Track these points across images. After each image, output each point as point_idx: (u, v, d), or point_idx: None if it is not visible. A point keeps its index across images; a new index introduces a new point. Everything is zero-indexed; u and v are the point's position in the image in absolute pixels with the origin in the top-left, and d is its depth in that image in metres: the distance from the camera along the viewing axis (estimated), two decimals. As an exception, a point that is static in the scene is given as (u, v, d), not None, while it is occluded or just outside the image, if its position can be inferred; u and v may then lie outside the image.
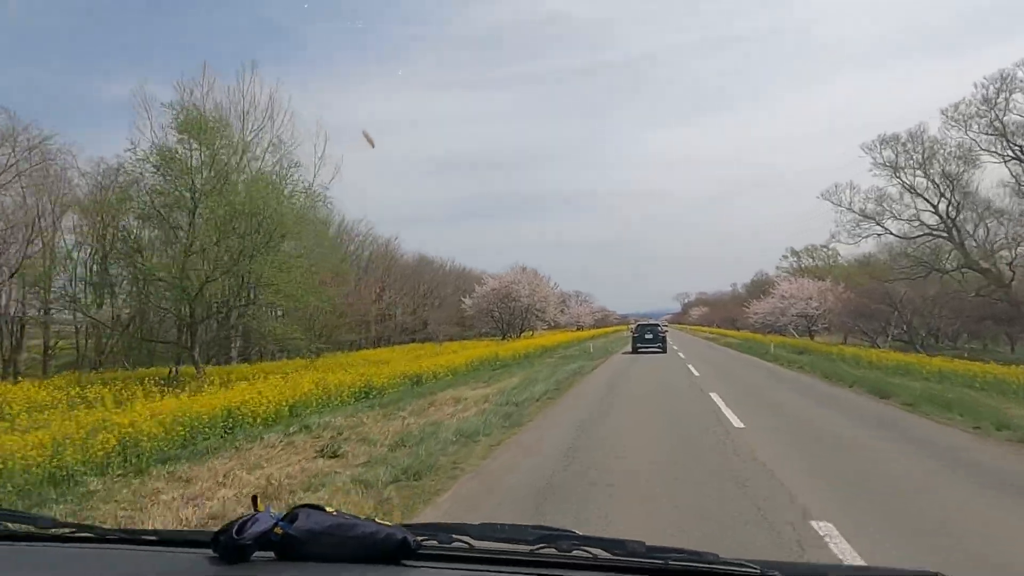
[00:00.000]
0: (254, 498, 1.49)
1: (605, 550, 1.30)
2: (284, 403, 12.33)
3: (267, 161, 25.97)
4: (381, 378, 17.47)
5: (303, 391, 13.28)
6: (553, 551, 1.31)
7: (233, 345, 29.73)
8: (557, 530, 1.36)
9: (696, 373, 19.30)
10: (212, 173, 19.72)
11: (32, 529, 1.53)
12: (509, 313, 57.26)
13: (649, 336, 34.68)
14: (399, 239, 58.06)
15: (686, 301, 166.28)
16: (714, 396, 13.33)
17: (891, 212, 34.95)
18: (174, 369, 21.39)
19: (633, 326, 42.15)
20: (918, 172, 33.66)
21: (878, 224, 35.66)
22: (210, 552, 1.31)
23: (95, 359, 25.39)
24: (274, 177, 19.76)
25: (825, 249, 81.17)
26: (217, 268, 19.80)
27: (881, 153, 34.48)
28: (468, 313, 58.87)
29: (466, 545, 1.33)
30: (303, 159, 21.87)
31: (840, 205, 36.32)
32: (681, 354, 30.48)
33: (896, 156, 34.21)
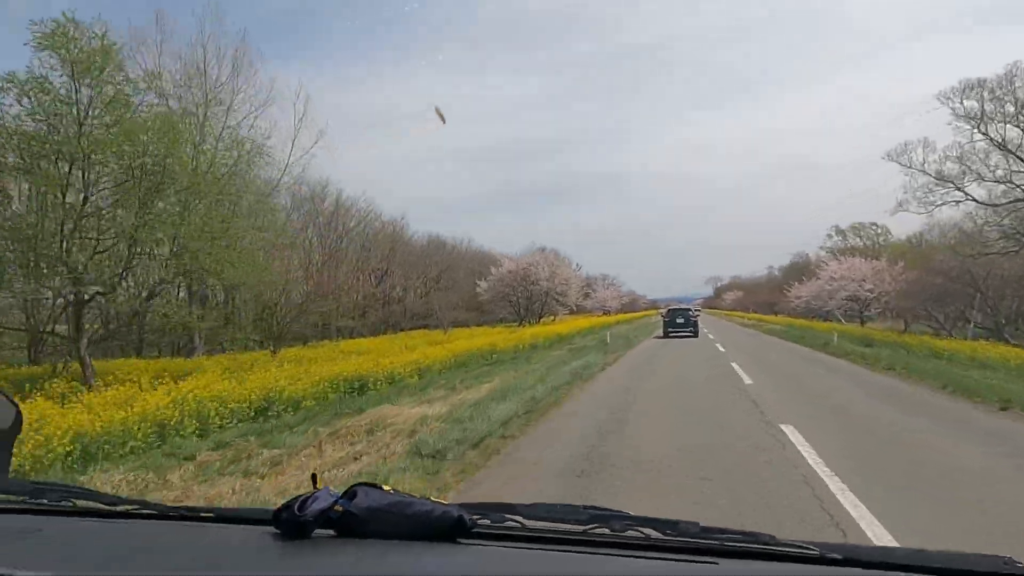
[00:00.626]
0: (313, 476, 1.49)
1: (658, 530, 1.26)
2: None
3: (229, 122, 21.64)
4: (302, 385, 12.17)
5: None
6: (606, 531, 1.29)
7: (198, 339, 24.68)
8: (609, 510, 1.33)
9: (746, 379, 13.57)
10: (107, 116, 14.48)
11: (98, 506, 1.54)
12: (527, 297, 52.08)
13: (680, 320, 34.27)
14: (405, 218, 52.34)
15: (718, 285, 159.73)
16: (802, 448, 7.05)
17: (975, 173, 28.60)
18: (60, 367, 16.30)
19: (664, 311, 40.58)
20: (1011, 123, 27.25)
21: (958, 189, 29.38)
22: (271, 529, 1.31)
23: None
24: (186, 122, 14.45)
25: (874, 227, 74.38)
26: (104, 237, 14.65)
27: (962, 102, 28.09)
28: (484, 297, 53.58)
29: (518, 524, 1.32)
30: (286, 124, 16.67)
31: (910, 167, 30.19)
32: (720, 346, 24.65)
33: (981, 105, 27.80)
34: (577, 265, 58.71)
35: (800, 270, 76.31)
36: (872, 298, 43.11)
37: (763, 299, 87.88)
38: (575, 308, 57.82)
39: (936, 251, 34.29)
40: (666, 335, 33.44)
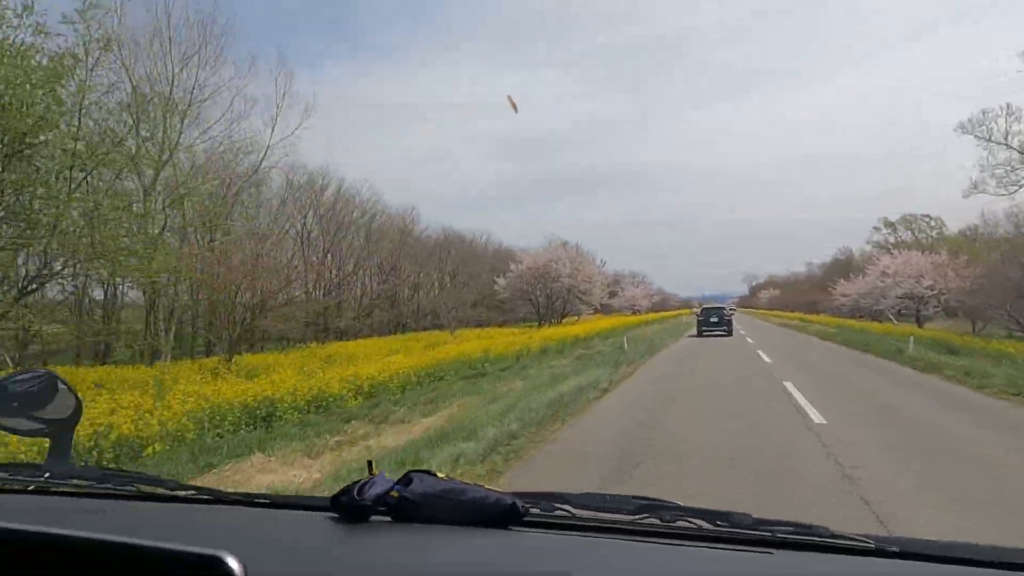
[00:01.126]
0: (369, 463, 1.51)
1: (708, 521, 1.25)
2: None
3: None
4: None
5: None
6: (656, 521, 1.28)
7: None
8: (659, 501, 1.32)
9: (813, 414, 9.03)
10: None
11: (160, 490, 1.57)
12: (547, 295, 47.93)
13: (715, 319, 34.01)
14: (415, 211, 47.96)
15: (754, 283, 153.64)
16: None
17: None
18: None
19: (698, 310, 41.10)
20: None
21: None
22: (329, 513, 1.34)
23: None
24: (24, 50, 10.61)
25: (927, 219, 68.47)
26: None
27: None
28: (503, 296, 49.55)
29: (568, 513, 1.33)
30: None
31: (990, 140, 25.34)
32: (764, 354, 20.00)
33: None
34: (601, 261, 54.05)
35: (844, 267, 71.59)
36: (931, 296, 38.14)
37: (803, 298, 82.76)
38: (600, 307, 53.32)
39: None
40: (700, 334, 33.29)
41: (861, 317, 48.17)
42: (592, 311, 53.37)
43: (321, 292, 35.25)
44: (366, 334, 36.30)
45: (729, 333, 33.11)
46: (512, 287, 48.94)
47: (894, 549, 1.15)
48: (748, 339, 28.12)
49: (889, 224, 67.96)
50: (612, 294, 75.50)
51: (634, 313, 74.68)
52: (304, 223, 36.04)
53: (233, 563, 0.71)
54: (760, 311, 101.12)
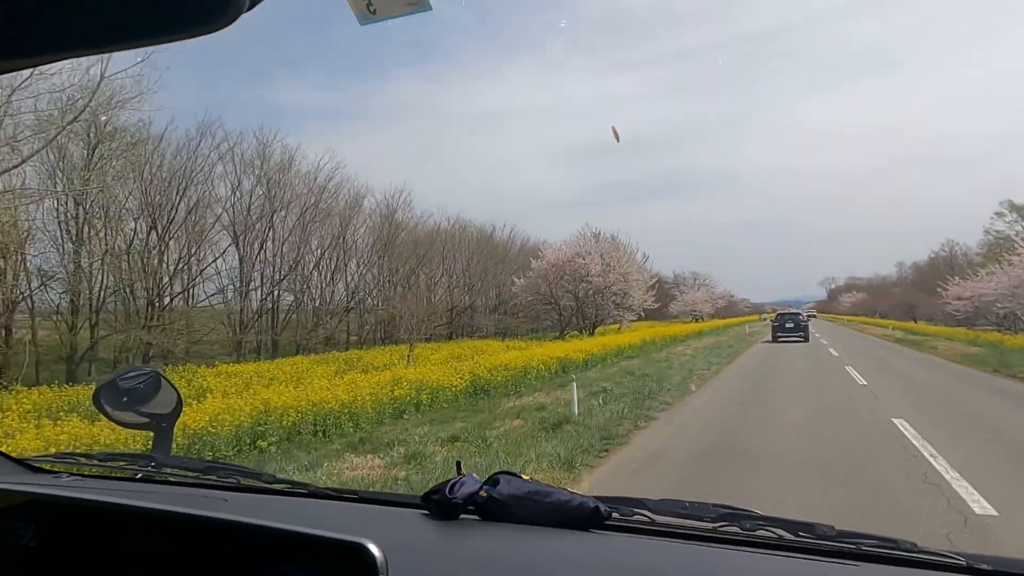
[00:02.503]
0: (458, 463, 1.57)
1: (791, 532, 1.22)
2: None
3: None
4: None
5: None
6: (736, 529, 1.26)
7: None
8: (740, 509, 1.30)
9: None
10: None
11: (258, 483, 1.62)
12: (575, 297, 37.58)
13: (790, 325, 33.77)
14: (407, 194, 36.95)
15: (832, 286, 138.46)
16: None
17: None
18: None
19: (773, 315, 39.94)
20: None
21: None
22: (421, 510, 1.39)
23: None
24: None
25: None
26: None
27: None
28: (521, 299, 39.52)
29: (648, 519, 1.33)
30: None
31: None
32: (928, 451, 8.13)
33: None
34: (644, 255, 43.11)
35: (944, 265, 63.22)
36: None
37: (893, 301, 69.54)
38: (643, 314, 42.19)
39: None
40: (775, 339, 33.15)
41: (1000, 326, 35.90)
42: (636, 318, 42.43)
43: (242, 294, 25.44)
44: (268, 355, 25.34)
45: (806, 339, 32.60)
46: (532, 288, 38.84)
47: (985, 567, 1.10)
48: (859, 379, 16.04)
49: (1015, 207, 54.49)
50: (670, 298, 64.28)
51: (695, 320, 63.09)
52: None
53: (375, 551, 0.74)
54: (843, 318, 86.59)
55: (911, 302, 65.79)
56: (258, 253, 26.90)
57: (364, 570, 0.73)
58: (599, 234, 40.00)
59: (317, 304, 30.22)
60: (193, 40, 0.49)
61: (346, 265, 32.38)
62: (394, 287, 34.66)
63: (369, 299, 33.86)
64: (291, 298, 28.73)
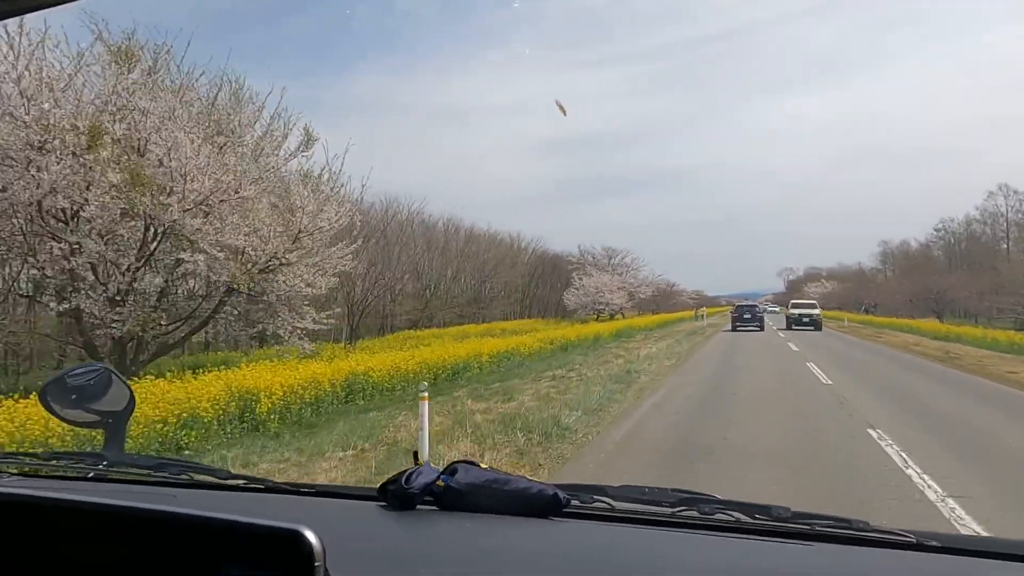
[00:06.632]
0: (415, 453, 1.72)
1: (747, 514, 1.24)
2: None
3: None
4: None
5: None
6: (694, 513, 1.26)
7: None
8: (698, 494, 1.31)
9: None
10: None
11: (213, 479, 1.59)
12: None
13: (747, 316, 36.81)
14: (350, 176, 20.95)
15: (790, 277, 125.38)
16: None
17: None
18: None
19: (732, 308, 42.53)
20: None
21: None
22: (378, 502, 1.37)
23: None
24: None
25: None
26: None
27: None
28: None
29: (608, 505, 1.32)
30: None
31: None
32: None
33: None
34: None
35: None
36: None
37: (890, 291, 54.41)
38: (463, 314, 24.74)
39: None
40: (734, 329, 36.15)
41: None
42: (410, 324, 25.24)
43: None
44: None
45: (761, 328, 36.56)
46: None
47: (934, 544, 1.13)
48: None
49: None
50: (566, 285, 46.68)
51: (598, 316, 44.72)
52: None
53: (312, 538, 0.72)
54: (843, 316, 69.01)
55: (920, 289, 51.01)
56: None
57: (301, 559, 0.71)
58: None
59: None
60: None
61: None
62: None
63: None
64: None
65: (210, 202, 13.27)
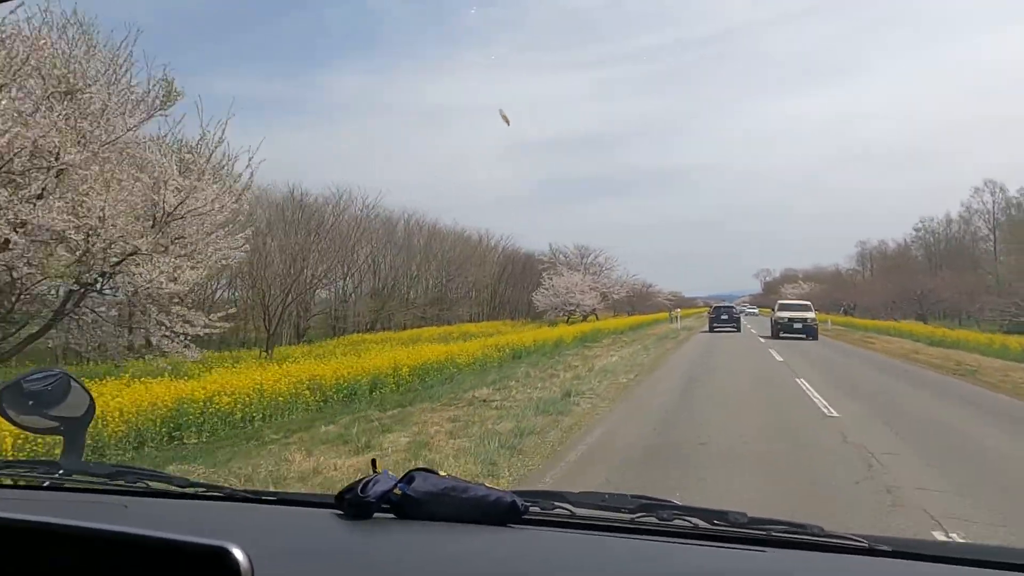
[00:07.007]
0: (373, 461, 1.51)
1: (705, 520, 1.24)
2: None
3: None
4: None
5: None
6: (653, 520, 1.26)
7: None
8: (657, 500, 1.31)
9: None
10: None
11: (171, 487, 1.59)
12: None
13: (725, 317, 36.96)
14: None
15: (767, 279, 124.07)
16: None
17: None
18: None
19: (711, 309, 42.07)
20: None
21: None
22: (335, 510, 1.35)
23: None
24: None
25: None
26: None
27: None
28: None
29: (568, 512, 1.32)
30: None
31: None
32: None
33: None
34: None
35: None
36: None
37: (873, 293, 52.98)
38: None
39: None
40: (712, 330, 35.64)
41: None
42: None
43: None
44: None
45: (738, 329, 36.47)
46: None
47: (886, 548, 1.13)
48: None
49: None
50: (535, 284, 43.75)
51: (568, 318, 41.86)
52: None
53: (239, 555, 0.71)
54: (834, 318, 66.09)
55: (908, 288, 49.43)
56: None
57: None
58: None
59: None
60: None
61: None
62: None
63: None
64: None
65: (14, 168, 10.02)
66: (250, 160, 13.52)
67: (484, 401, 11.01)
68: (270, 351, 21.62)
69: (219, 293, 28.05)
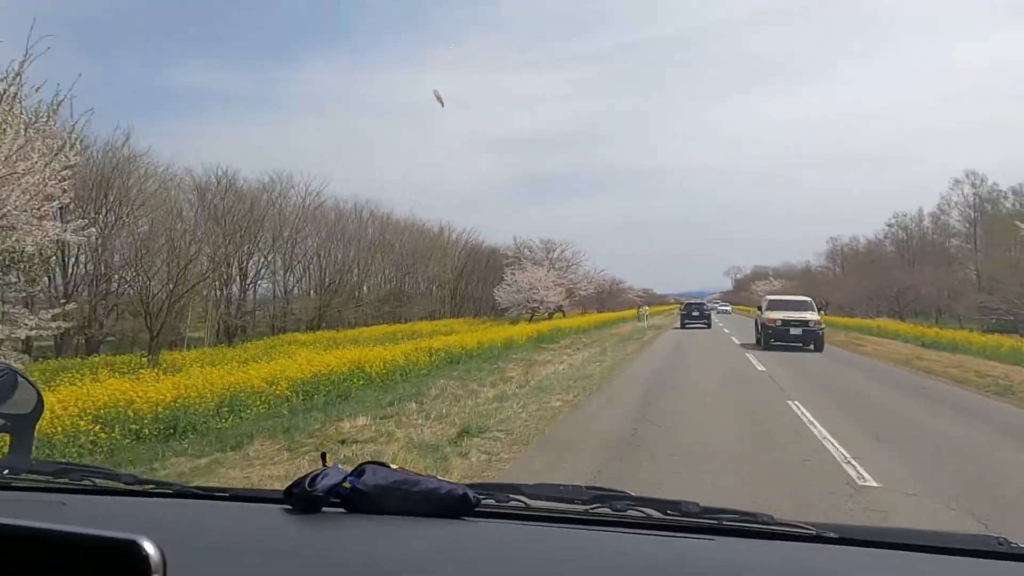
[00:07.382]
0: (323, 455, 1.50)
1: (658, 510, 1.26)
2: None
3: None
4: None
5: None
6: (607, 511, 1.28)
7: None
8: (611, 491, 1.33)
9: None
10: None
11: (117, 484, 1.55)
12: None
13: (696, 314, 38.22)
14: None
15: (737, 276, 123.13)
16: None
17: None
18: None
19: (682, 306, 43.48)
20: None
21: None
22: (283, 506, 1.32)
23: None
24: None
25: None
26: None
27: None
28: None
29: (522, 504, 1.32)
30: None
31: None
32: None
33: None
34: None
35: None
36: None
37: (845, 289, 50.94)
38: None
39: None
40: (683, 326, 36.95)
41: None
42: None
43: None
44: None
45: (708, 326, 37.56)
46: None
47: (832, 535, 1.16)
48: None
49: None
50: (496, 281, 40.53)
51: (532, 316, 38.76)
52: None
53: (150, 547, 0.68)
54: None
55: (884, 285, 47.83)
56: None
57: (138, 570, 0.67)
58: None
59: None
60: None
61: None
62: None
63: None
64: None
65: None
66: (60, 100, 9.87)
67: (343, 442, 7.47)
68: (153, 356, 17.91)
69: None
